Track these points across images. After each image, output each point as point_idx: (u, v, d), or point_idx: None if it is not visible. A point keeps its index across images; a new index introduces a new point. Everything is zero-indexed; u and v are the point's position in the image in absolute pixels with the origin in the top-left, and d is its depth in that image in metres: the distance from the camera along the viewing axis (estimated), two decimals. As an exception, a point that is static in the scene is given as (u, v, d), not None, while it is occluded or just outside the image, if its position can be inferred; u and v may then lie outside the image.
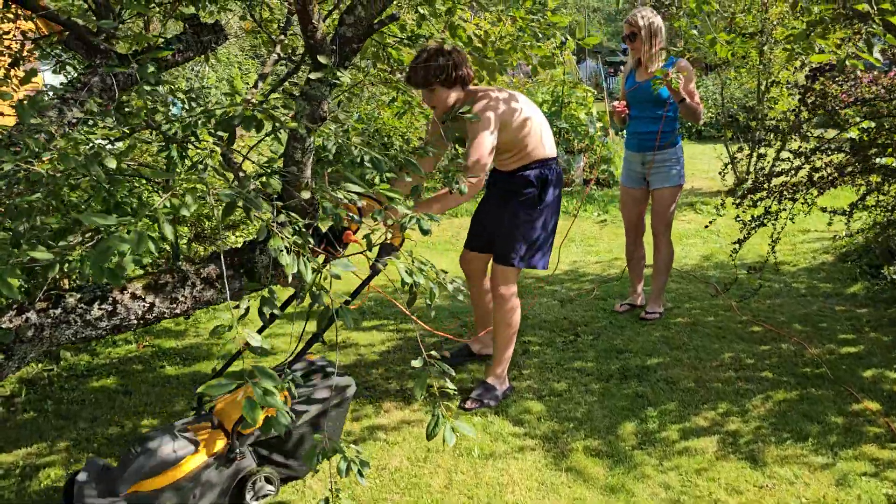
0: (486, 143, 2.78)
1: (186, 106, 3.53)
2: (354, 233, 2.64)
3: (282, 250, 1.82)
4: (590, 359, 3.53)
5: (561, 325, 4.02)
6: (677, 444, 2.72)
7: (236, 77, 11.80)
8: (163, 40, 3.26)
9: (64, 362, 3.68)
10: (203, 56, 3.47)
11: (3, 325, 2.13)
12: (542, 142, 3.04)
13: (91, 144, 2.40)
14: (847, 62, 2.00)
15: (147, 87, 2.32)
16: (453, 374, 2.00)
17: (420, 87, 2.86)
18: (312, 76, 2.28)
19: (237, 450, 2.35)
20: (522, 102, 2.96)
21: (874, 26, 1.85)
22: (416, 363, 2.00)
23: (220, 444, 2.35)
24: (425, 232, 2.14)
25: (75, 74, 3.76)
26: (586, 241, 6.01)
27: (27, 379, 3.50)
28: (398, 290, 2.19)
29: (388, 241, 2.48)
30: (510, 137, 2.93)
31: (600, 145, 8.43)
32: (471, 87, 2.94)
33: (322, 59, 2.28)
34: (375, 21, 2.38)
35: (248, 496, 2.41)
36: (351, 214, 2.53)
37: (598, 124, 8.65)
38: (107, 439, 2.93)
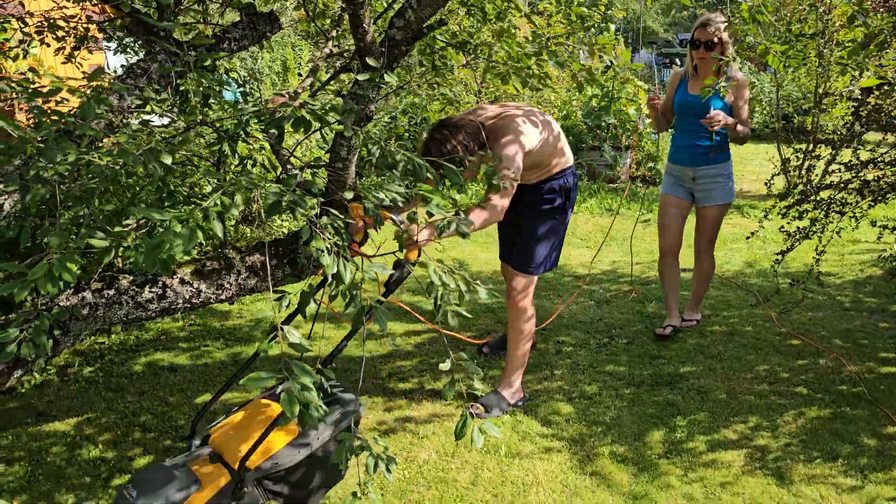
0: (515, 164, 2.78)
1: (240, 90, 3.63)
2: (360, 245, 2.52)
3: (322, 251, 1.89)
4: (622, 363, 3.55)
5: (596, 327, 4.03)
6: (704, 456, 2.74)
7: (290, 58, 11.96)
8: (220, 28, 3.36)
9: (115, 336, 3.84)
10: (259, 46, 3.56)
11: (61, 304, 2.26)
12: (563, 152, 3.07)
13: (149, 132, 2.51)
14: (897, 89, 1.96)
15: (202, 80, 2.40)
16: (481, 374, 2.04)
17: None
18: (361, 78, 2.33)
19: (245, 487, 2.11)
20: (541, 118, 2.97)
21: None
22: (444, 366, 2.04)
23: (224, 480, 2.11)
24: (464, 235, 2.18)
25: (135, 59, 3.91)
26: (628, 241, 5.97)
27: (80, 350, 3.67)
28: (426, 288, 2.23)
29: (404, 258, 2.39)
30: (537, 158, 2.94)
31: (649, 142, 8.34)
32: (490, 109, 2.94)
33: (371, 62, 2.34)
34: (425, 25, 2.43)
35: None
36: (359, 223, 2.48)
37: (648, 120, 8.55)
38: (151, 413, 3.07)
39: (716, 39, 3.46)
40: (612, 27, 3.61)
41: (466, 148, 2.75)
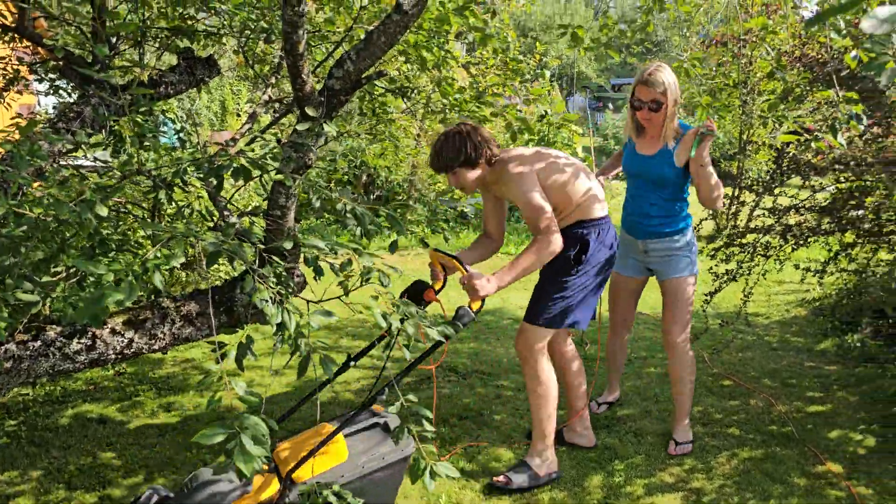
0: (536, 199, 2.65)
1: (177, 128, 3.57)
2: (437, 292, 2.65)
3: (266, 301, 1.86)
4: (561, 406, 3.57)
5: (536, 370, 4.07)
6: (642, 500, 2.77)
7: (228, 99, 11.89)
8: (157, 72, 3.33)
9: (39, 387, 3.67)
10: (196, 89, 3.54)
11: (-18, 357, 2.16)
12: (588, 200, 2.79)
13: (81, 178, 2.45)
14: (813, 144, 2.10)
15: (136, 126, 2.37)
16: (430, 416, 2.01)
17: (440, 173, 2.77)
18: (300, 127, 2.34)
19: (287, 498, 2.21)
20: (558, 158, 2.78)
21: (839, 113, 1.96)
22: (394, 409, 2.02)
23: (273, 489, 2.24)
24: (384, 286, 2.19)
25: (68, 99, 3.82)
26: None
27: (2, 403, 3.49)
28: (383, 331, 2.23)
29: (467, 305, 2.48)
30: (550, 196, 2.71)
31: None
32: (502, 154, 2.79)
33: (310, 111, 2.35)
34: (363, 76, 2.46)
35: None
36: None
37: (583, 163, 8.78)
38: (79, 469, 2.93)
39: (661, 99, 2.90)
40: (548, 73, 3.74)
41: (478, 152, 2.69)
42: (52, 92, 3.89)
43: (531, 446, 2.93)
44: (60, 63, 3.13)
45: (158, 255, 1.72)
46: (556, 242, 2.63)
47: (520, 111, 3.34)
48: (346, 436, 2.46)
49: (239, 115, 12.14)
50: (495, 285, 2.56)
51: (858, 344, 4.33)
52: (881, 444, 3.17)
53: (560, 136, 8.49)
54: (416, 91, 3.12)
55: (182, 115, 10.23)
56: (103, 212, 1.84)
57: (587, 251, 2.78)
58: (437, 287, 2.64)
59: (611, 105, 24.83)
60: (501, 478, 2.83)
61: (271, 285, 1.97)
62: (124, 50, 3.56)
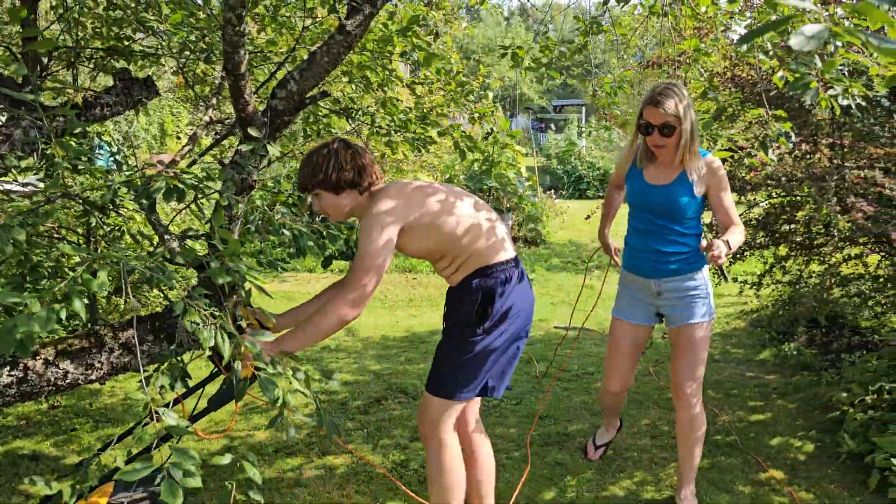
0: (379, 245, 2.11)
1: (113, 151, 3.48)
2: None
3: (197, 324, 1.82)
4: (511, 424, 3.58)
5: (485, 389, 4.06)
6: (593, 515, 2.78)
7: (168, 121, 11.67)
8: (92, 94, 3.24)
9: (-35, 424, 3.49)
10: (134, 111, 3.46)
11: None
12: (490, 244, 2.26)
13: (8, 200, 2.35)
14: (746, 160, 2.17)
15: (67, 150, 2.29)
16: (259, 480, 1.75)
17: (301, 192, 2.32)
18: (243, 148, 2.31)
19: None
20: (445, 194, 2.27)
21: (770, 131, 2.03)
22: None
23: None
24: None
25: (-3, 123, 3.69)
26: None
27: (-77, 442, 3.31)
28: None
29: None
30: (431, 240, 2.23)
31: (529, 203, 8.67)
32: (381, 186, 2.31)
33: (253, 132, 2.32)
34: (307, 96, 2.44)
35: None
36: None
37: (527, 183, 8.92)
38: (8, 510, 2.79)
39: (673, 122, 2.51)
40: (490, 94, 3.79)
41: (343, 175, 2.21)
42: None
43: None
44: (-13, 85, 3.02)
45: (80, 280, 1.66)
46: (359, 311, 2.11)
47: (464, 131, 3.38)
48: None
49: (179, 138, 11.92)
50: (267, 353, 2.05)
51: (795, 353, 4.47)
52: (819, 449, 3.26)
53: (504, 156, 8.59)
54: (360, 112, 3.11)
55: (118, 138, 9.98)
56: (21, 237, 1.76)
57: (492, 303, 2.24)
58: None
59: (553, 125, 25.31)
60: None
61: (203, 308, 1.92)
62: (56, 71, 3.46)
